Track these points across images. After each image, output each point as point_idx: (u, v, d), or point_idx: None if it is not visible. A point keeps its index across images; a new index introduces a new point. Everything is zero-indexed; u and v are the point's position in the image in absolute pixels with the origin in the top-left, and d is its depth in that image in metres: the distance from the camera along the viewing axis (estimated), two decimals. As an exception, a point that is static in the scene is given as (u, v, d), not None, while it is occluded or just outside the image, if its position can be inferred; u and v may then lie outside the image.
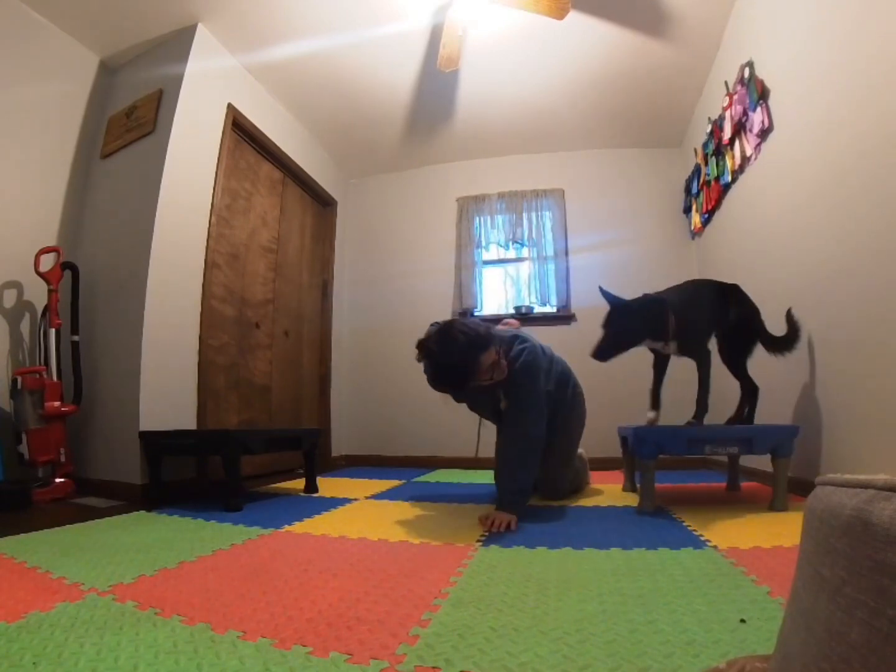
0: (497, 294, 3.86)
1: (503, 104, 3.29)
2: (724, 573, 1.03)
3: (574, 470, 2.11)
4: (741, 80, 2.35)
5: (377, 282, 4.02)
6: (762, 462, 2.06)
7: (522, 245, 3.76)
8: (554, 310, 3.64)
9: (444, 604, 0.89)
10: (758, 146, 2.25)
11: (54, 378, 2.15)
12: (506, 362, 1.68)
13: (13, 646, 0.72)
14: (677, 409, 2.30)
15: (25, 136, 2.31)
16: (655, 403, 1.99)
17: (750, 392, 2.06)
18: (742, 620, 0.78)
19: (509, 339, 1.77)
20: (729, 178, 2.62)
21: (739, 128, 2.42)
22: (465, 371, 1.57)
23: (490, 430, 2.07)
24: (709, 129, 2.86)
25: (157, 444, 2.05)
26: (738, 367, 2.06)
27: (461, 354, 1.55)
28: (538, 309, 3.66)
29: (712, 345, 2.03)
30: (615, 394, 3.19)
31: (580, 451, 2.22)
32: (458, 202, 3.91)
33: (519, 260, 3.88)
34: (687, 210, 3.47)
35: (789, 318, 1.94)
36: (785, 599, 0.58)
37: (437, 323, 1.77)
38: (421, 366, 1.72)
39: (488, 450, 2.02)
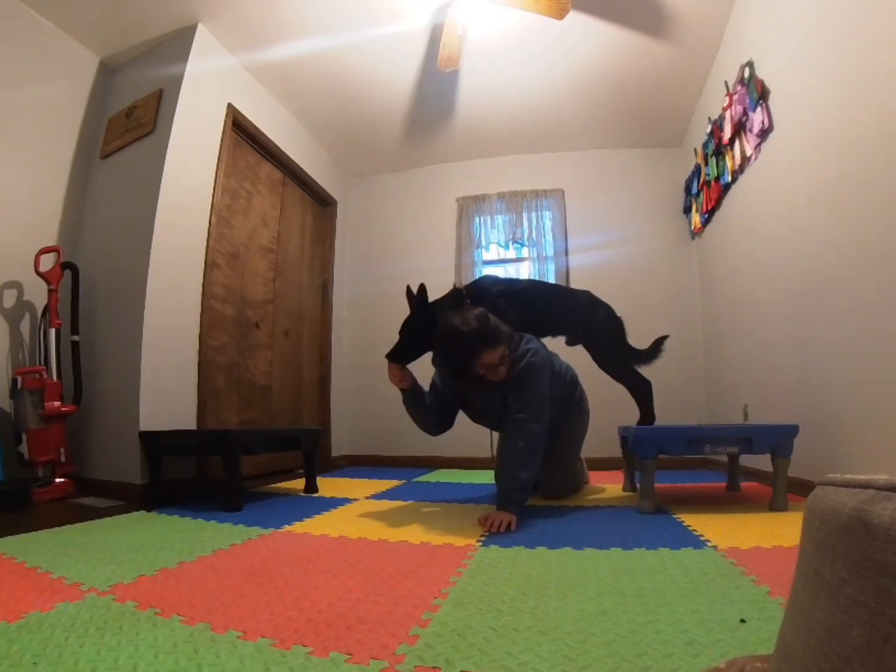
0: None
1: (503, 104, 3.29)
2: (724, 573, 1.03)
3: (574, 472, 2.13)
4: (741, 80, 2.35)
5: (377, 282, 4.02)
6: (762, 462, 2.06)
7: (522, 245, 3.76)
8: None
9: (444, 604, 0.89)
10: (758, 146, 2.25)
11: (54, 378, 2.15)
12: (505, 368, 1.65)
13: (13, 646, 0.72)
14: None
15: (26, 136, 2.31)
16: None
17: (638, 389, 2.14)
18: (742, 620, 0.78)
19: (517, 340, 1.76)
20: (729, 178, 2.62)
21: (739, 128, 2.41)
22: (463, 357, 1.57)
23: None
24: (709, 129, 2.86)
25: (157, 444, 2.05)
26: (612, 370, 2.16)
27: (465, 342, 1.55)
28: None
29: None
30: (615, 394, 3.17)
31: None
32: (458, 202, 3.91)
33: (519, 260, 3.87)
34: (687, 210, 3.46)
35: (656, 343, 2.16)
36: (785, 599, 0.57)
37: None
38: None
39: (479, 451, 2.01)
